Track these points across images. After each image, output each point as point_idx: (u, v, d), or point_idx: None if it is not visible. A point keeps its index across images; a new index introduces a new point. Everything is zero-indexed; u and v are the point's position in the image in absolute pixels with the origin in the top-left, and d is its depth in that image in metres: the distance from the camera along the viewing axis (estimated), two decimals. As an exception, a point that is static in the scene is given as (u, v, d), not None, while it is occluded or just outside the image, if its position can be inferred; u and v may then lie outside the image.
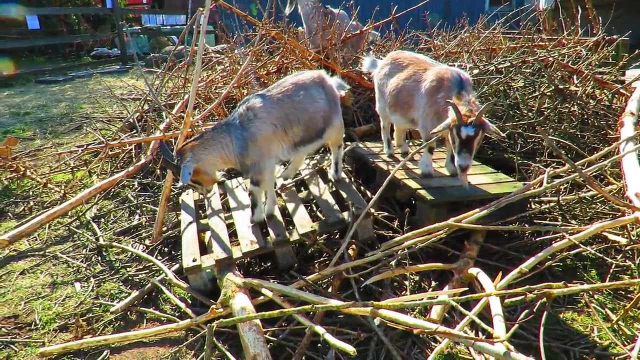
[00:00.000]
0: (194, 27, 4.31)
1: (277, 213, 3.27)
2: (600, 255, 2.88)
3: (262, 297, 2.74)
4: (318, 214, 3.62)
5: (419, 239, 2.61)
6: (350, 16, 5.90)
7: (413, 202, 3.65)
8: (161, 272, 3.18)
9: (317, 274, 2.77)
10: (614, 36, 5.72)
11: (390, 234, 3.25)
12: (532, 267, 2.34)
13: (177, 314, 2.90)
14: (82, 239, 3.78)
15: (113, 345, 2.65)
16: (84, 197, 4.05)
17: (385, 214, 3.45)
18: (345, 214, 3.15)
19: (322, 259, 3.26)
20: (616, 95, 4.93)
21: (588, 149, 4.26)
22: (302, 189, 3.79)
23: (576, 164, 2.91)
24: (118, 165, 4.87)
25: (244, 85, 4.59)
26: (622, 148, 3.08)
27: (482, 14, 6.45)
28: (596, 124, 4.50)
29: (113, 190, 4.47)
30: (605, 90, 4.94)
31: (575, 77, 4.85)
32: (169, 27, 18.38)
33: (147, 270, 3.32)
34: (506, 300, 1.88)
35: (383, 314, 1.95)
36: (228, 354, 2.45)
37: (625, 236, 2.85)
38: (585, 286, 1.80)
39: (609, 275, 2.83)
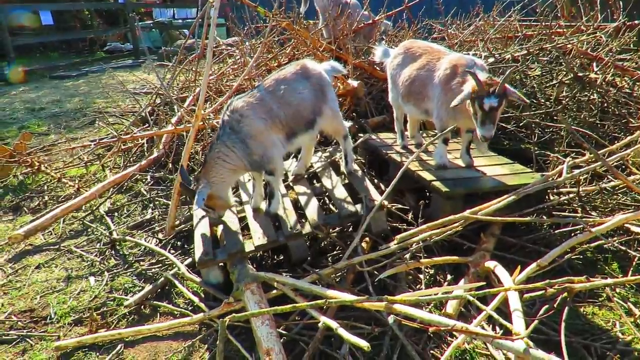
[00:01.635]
0: (204, 19, 4.28)
1: (290, 205, 3.24)
2: (623, 248, 2.79)
3: (274, 291, 2.72)
4: (331, 206, 3.59)
5: (435, 232, 2.55)
6: (362, 5, 5.81)
7: (428, 194, 3.59)
8: (174, 266, 3.18)
9: (330, 268, 2.73)
10: (635, 21, 5.53)
11: (405, 227, 3.20)
12: (551, 260, 2.27)
13: (190, 308, 2.89)
14: (96, 233, 3.79)
15: (127, 339, 2.65)
16: (97, 191, 4.08)
17: (400, 206, 3.39)
18: (358, 207, 3.10)
19: (335, 252, 3.22)
20: (637, 83, 4.77)
21: (609, 139, 4.13)
22: (315, 181, 3.75)
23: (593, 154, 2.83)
24: (131, 159, 4.88)
25: (255, 78, 4.55)
26: (646, 137, 2.98)
27: (497, 0, 6.27)
28: (617, 113, 4.36)
29: (126, 184, 4.48)
30: (626, 78, 4.78)
31: (594, 64, 4.70)
32: (180, 21, 18.41)
33: (160, 265, 3.32)
34: (525, 295, 1.81)
35: (398, 309, 1.91)
36: (241, 348, 2.43)
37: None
38: (609, 280, 1.74)
39: (631, 269, 2.74)
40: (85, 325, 2.77)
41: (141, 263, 3.37)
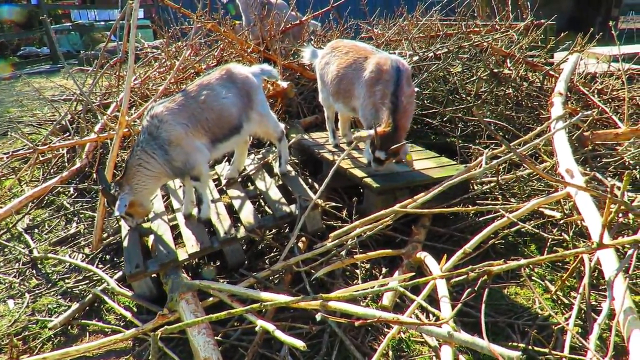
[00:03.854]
0: (125, 21, 4.09)
1: (223, 210, 3.18)
2: (537, 230, 3.01)
3: (211, 299, 2.66)
4: (266, 209, 3.57)
5: (368, 227, 2.61)
6: (289, 5, 5.82)
7: (361, 190, 3.67)
8: (103, 281, 3.02)
9: (267, 270, 2.72)
10: (542, 20, 6.00)
11: (340, 224, 3.25)
12: (476, 246, 2.41)
13: (122, 324, 2.76)
14: (13, 252, 3.51)
15: (53, 364, 2.48)
16: (13, 207, 3.78)
17: (334, 204, 3.44)
18: (293, 207, 3.11)
19: (272, 254, 3.21)
20: (546, 77, 5.17)
21: (523, 130, 4.45)
22: (249, 184, 3.71)
23: (512, 144, 3.02)
24: (51, 171, 4.55)
25: (182, 81, 4.41)
26: (553, 126, 3.23)
27: (420, 1, 6.54)
28: (529, 105, 4.71)
29: (47, 197, 4.18)
30: (536, 73, 5.17)
31: (508, 60, 5.04)
32: (102, 23, 17.43)
33: (88, 281, 3.14)
34: (451, 281, 1.91)
35: (333, 306, 1.94)
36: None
37: (559, 210, 3.00)
38: (522, 261, 1.87)
39: (546, 249, 2.97)
40: (4, 353, 2.56)
41: (66, 281, 3.17)
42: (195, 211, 3.14)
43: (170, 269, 2.78)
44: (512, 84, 4.63)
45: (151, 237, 3.17)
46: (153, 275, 2.83)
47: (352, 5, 5.89)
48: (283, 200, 3.21)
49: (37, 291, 3.08)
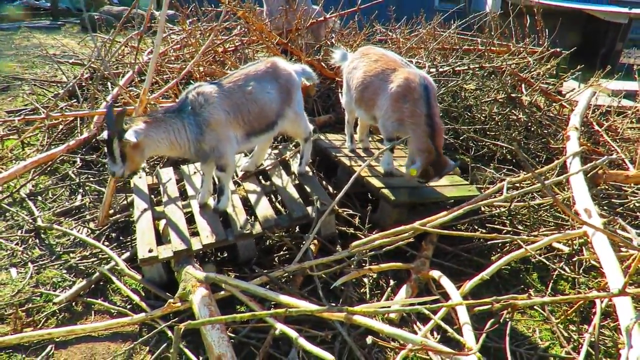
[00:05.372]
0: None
1: (239, 203, 3.17)
2: (548, 263, 3.09)
3: (222, 292, 2.66)
4: (277, 205, 3.57)
5: (387, 240, 2.65)
6: (314, 1, 5.78)
7: (370, 197, 3.71)
8: (110, 260, 2.99)
9: (280, 271, 2.73)
10: (558, 49, 6.10)
11: (352, 231, 3.28)
12: (475, 267, 2.47)
13: (129, 307, 2.75)
14: (16, 218, 3.44)
15: (57, 340, 2.46)
16: (17, 171, 3.69)
17: (349, 211, 3.46)
18: (309, 209, 3.12)
19: (281, 252, 3.22)
20: (553, 104, 5.28)
21: (532, 156, 4.54)
22: (264, 179, 3.69)
23: (529, 175, 3.10)
24: (56, 136, 4.45)
25: (202, 64, 4.34)
26: (569, 161, 3.31)
27: (439, 11, 6.59)
28: (539, 133, 4.80)
29: (50, 165, 4.09)
30: (548, 101, 5.26)
31: (523, 86, 5.12)
32: (106, -17, 16.94)
33: (94, 258, 3.10)
34: (475, 309, 1.96)
35: (357, 320, 1.97)
36: (188, 352, 2.37)
37: (568, 245, 3.08)
38: (546, 299, 1.93)
39: (551, 282, 3.05)
40: (7, 324, 2.53)
41: (71, 255, 3.13)
42: (211, 201, 3.12)
43: (183, 257, 2.78)
44: (526, 110, 4.71)
45: (162, 222, 3.15)
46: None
47: (380, 9, 5.87)
48: (300, 200, 3.21)
49: (40, 262, 3.03)
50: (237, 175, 3.53)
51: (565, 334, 2.72)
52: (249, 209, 3.26)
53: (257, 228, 3.00)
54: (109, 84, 4.89)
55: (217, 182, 3.11)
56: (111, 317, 2.67)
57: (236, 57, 4.79)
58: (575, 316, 2.84)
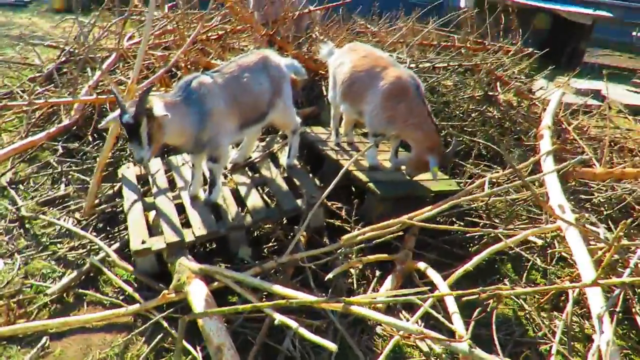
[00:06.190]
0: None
1: (229, 195, 3.22)
2: (524, 254, 3.30)
3: (215, 283, 2.72)
4: (264, 196, 3.63)
5: (376, 233, 2.78)
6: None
7: (353, 189, 3.82)
8: (98, 250, 3.00)
9: (273, 262, 2.81)
10: (531, 49, 6.35)
11: (338, 223, 3.38)
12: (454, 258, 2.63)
13: (121, 298, 2.78)
14: (-2, 207, 3.38)
15: (52, 331, 2.48)
16: (-3, 158, 3.60)
17: (337, 203, 3.55)
18: (299, 201, 3.21)
19: (270, 244, 3.29)
20: (524, 102, 5.53)
21: (507, 152, 4.74)
22: (252, 171, 3.74)
23: (507, 171, 3.28)
24: (34, 123, 4.33)
25: (190, 53, 4.31)
26: (543, 159, 3.52)
27: (418, 6, 6.72)
28: (512, 130, 5.02)
29: (29, 152, 4.00)
30: (519, 99, 5.49)
31: (498, 84, 5.32)
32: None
33: (82, 249, 3.10)
34: (463, 300, 2.11)
35: (355, 310, 2.08)
36: (185, 343, 2.42)
37: (541, 238, 3.30)
38: (528, 289, 2.10)
39: (526, 272, 3.27)
40: (0, 315, 2.51)
41: (58, 246, 3.11)
42: (202, 193, 3.16)
43: (176, 249, 2.82)
44: (501, 108, 4.91)
45: (152, 213, 3.17)
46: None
47: (364, 4, 5.94)
48: (289, 193, 3.29)
49: (27, 253, 3.00)
50: (226, 168, 3.57)
51: (538, 321, 2.94)
52: (239, 200, 3.31)
53: (248, 220, 3.06)
54: (88, 69, 4.78)
55: (207, 174, 3.14)
56: (104, 308, 2.70)
57: (219, 45, 4.76)
58: (546, 304, 3.06)
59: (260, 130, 3.49)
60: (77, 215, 3.40)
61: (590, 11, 13.07)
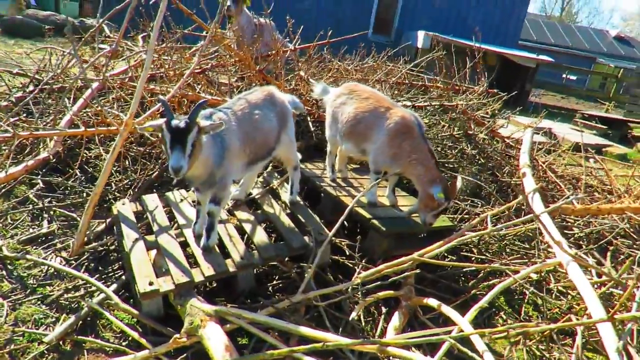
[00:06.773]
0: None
1: (235, 233, 3.15)
2: (526, 289, 3.43)
3: (228, 325, 2.61)
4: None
5: (391, 270, 2.80)
6: (279, 31, 5.88)
7: (351, 224, 3.85)
8: (94, 292, 2.81)
9: (286, 301, 2.75)
10: (495, 90, 6.79)
11: (343, 259, 3.37)
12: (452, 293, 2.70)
13: (124, 343, 2.60)
14: (-25, 247, 3.09)
15: (53, 385, 2.27)
16: (-28, 194, 3.32)
17: (345, 240, 3.53)
18: (306, 239, 3.18)
19: (274, 282, 3.22)
20: (496, 139, 5.87)
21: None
22: (253, 208, 3.68)
23: (495, 209, 3.44)
24: (8, 155, 4.03)
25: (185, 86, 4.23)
26: (530, 197, 3.72)
27: (366, 39, 7.01)
28: (487, 166, 5.29)
29: (3, 186, 3.72)
30: (490, 137, 5.82)
31: (472, 123, 5.62)
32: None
33: (74, 291, 2.88)
34: (493, 337, 2.15)
35: (391, 352, 2.08)
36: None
37: (537, 273, 3.45)
38: (552, 326, 2.18)
39: (523, 305, 3.39)
40: (-9, 369, 2.27)
41: (48, 288, 2.88)
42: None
43: (184, 290, 2.70)
44: (478, 145, 5.18)
45: (152, 252, 3.02)
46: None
47: (349, 43, 6.14)
48: (296, 230, 3.26)
49: (13, 297, 2.75)
50: (227, 204, 3.49)
51: (539, 354, 3.05)
52: (243, 237, 3.23)
53: (257, 258, 2.99)
54: (65, 99, 4.56)
55: (205, 217, 3.00)
56: (107, 355, 2.51)
57: (206, 79, 4.72)
58: (542, 338, 3.17)
59: (263, 166, 3.46)
60: (63, 254, 3.18)
61: (534, 55, 14.34)
